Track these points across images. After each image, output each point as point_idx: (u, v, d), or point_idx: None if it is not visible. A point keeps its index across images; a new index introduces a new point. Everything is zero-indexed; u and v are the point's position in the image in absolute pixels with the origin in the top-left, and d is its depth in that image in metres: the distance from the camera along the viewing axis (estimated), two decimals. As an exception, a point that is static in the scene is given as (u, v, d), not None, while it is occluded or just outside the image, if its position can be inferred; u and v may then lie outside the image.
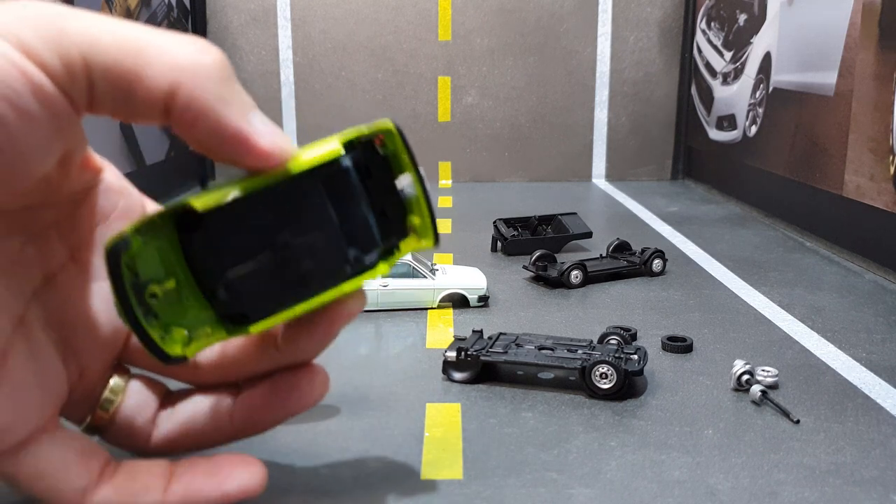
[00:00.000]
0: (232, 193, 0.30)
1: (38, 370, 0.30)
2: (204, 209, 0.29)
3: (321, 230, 0.31)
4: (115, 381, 0.34)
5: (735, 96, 1.23)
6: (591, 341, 0.53)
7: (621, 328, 0.58)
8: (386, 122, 0.32)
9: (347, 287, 0.32)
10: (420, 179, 0.32)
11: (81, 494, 0.30)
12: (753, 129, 1.16)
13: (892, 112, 0.77)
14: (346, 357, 0.55)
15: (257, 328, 0.31)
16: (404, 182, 0.33)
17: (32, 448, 0.29)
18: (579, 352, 0.50)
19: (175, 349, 0.31)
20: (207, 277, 0.31)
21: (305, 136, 1.45)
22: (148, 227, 0.30)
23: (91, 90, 0.26)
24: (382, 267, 0.32)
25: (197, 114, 0.27)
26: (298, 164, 0.30)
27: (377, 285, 0.64)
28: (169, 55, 0.27)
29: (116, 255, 0.29)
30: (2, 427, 0.28)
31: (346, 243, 0.31)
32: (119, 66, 0.26)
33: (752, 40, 1.17)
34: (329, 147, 0.31)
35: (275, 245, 0.31)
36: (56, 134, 0.26)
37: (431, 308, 0.66)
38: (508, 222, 0.90)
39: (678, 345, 0.56)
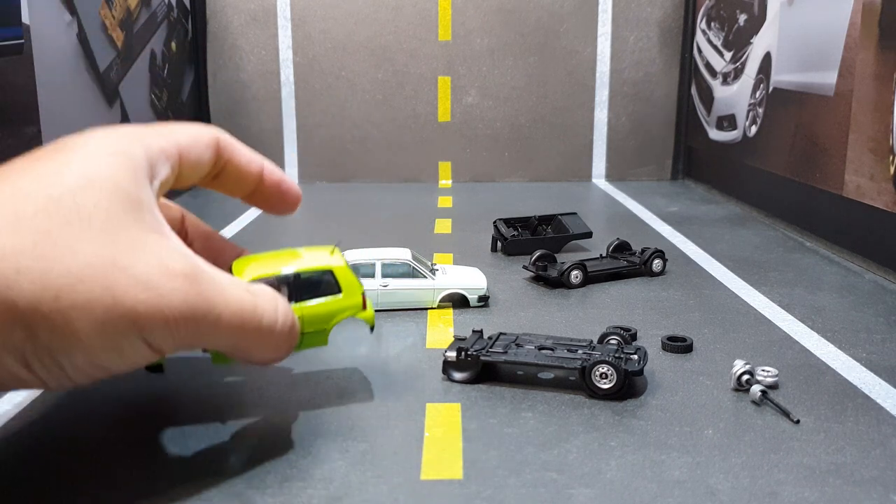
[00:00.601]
0: None
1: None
2: None
3: None
4: None
5: (735, 96, 1.23)
6: (591, 341, 0.53)
7: (621, 328, 0.58)
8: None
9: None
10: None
11: None
12: (753, 129, 1.16)
13: (892, 112, 0.77)
14: (345, 357, 0.55)
15: None
16: None
17: None
18: (579, 352, 0.50)
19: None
20: None
21: (305, 135, 1.45)
22: None
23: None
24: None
25: None
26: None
27: (377, 285, 0.64)
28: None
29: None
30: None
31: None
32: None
33: (752, 40, 1.17)
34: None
35: None
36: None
37: (431, 308, 0.66)
38: (508, 222, 0.90)
39: (678, 345, 0.56)
